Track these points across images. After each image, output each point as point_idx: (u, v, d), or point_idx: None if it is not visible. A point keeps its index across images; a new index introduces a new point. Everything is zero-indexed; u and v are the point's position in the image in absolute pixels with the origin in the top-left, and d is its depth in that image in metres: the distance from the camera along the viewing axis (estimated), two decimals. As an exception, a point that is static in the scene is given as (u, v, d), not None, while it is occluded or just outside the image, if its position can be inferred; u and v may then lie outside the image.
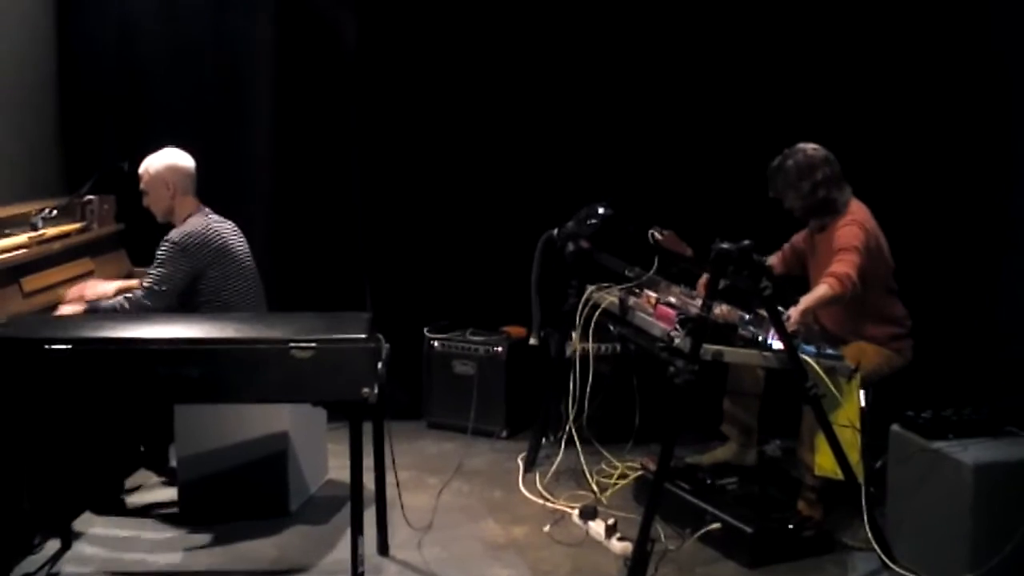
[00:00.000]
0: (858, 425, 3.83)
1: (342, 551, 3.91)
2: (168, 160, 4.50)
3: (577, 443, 4.56)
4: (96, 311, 4.25)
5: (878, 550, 3.78)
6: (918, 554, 3.75)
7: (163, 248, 4.33)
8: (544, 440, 4.92)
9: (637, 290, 4.30)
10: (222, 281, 4.38)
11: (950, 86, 5.00)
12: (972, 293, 4.93)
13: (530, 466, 4.82)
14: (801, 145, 4.34)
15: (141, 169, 4.52)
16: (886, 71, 5.08)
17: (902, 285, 4.43)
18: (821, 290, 4.02)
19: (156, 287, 4.28)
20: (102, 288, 4.44)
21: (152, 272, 4.34)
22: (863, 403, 3.82)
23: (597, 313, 4.33)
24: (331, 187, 5.51)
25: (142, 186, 4.51)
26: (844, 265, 4.06)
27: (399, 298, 5.47)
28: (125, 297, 4.29)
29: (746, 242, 3.77)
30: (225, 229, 4.48)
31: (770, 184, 4.38)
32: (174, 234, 4.36)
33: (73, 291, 4.39)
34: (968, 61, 4.94)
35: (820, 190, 4.27)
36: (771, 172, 4.36)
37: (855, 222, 4.23)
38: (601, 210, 4.52)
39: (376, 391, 3.48)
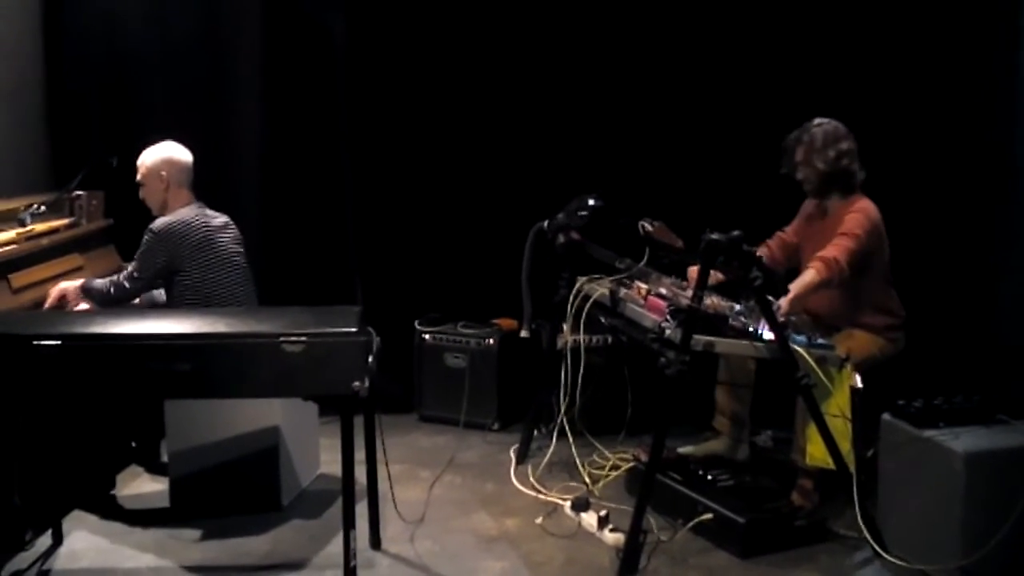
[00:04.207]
0: (849, 414, 3.84)
1: (334, 545, 3.91)
2: (165, 153, 4.50)
3: (569, 435, 4.56)
4: (90, 290, 4.34)
5: (869, 539, 3.79)
6: (909, 543, 3.76)
7: (145, 237, 4.36)
8: (536, 432, 4.92)
9: (628, 281, 4.31)
10: (205, 274, 4.37)
11: (945, 73, 4.99)
12: (965, 281, 4.94)
13: (522, 458, 4.82)
14: (822, 119, 4.34)
15: (138, 162, 4.52)
16: (879, 59, 5.07)
17: (896, 273, 4.44)
18: (808, 276, 4.02)
19: (136, 274, 4.36)
20: (70, 287, 4.39)
21: (135, 259, 4.38)
22: (859, 383, 3.82)
23: (588, 305, 4.33)
24: (321, 180, 5.49)
25: (138, 178, 4.52)
26: (835, 249, 4.06)
27: (390, 291, 5.46)
28: (111, 281, 4.36)
29: (736, 232, 3.78)
30: (214, 223, 4.47)
31: (786, 156, 4.35)
32: (157, 223, 4.38)
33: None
34: (962, 52, 4.94)
35: (844, 159, 4.27)
36: (790, 142, 4.35)
37: (863, 211, 4.24)
38: (591, 202, 4.51)
39: (367, 385, 3.48)
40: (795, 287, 4.01)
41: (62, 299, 4.32)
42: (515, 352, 5.22)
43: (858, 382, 3.81)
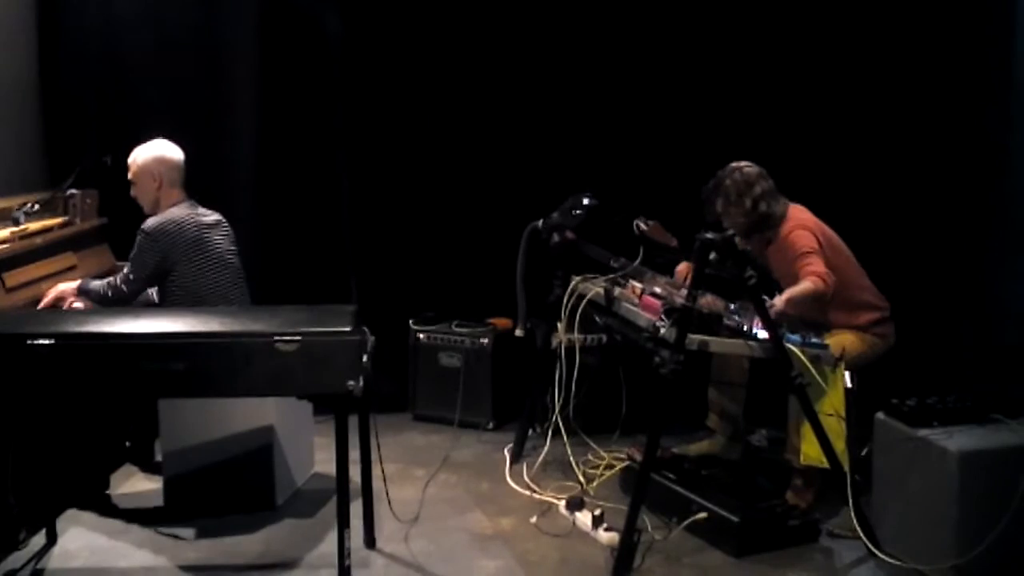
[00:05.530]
0: (843, 413, 3.85)
1: (329, 544, 3.91)
2: (156, 152, 4.49)
3: (563, 434, 4.57)
4: (87, 292, 4.34)
5: (863, 538, 3.80)
6: (903, 542, 3.76)
7: (138, 238, 4.35)
8: (530, 431, 4.92)
9: (622, 281, 4.31)
10: (197, 274, 4.36)
11: (942, 66, 4.97)
12: (960, 280, 4.94)
13: (517, 457, 4.82)
14: (733, 164, 4.35)
15: (129, 160, 4.52)
16: (875, 53, 5.06)
17: (888, 271, 4.44)
18: (806, 285, 4.03)
19: (131, 276, 4.35)
20: (67, 288, 4.40)
21: (129, 261, 4.37)
22: (850, 384, 3.83)
23: (583, 304, 4.33)
24: (316, 180, 5.49)
25: (130, 176, 4.51)
26: (817, 266, 4.09)
27: (384, 290, 5.45)
28: (108, 283, 4.35)
29: (730, 231, 3.79)
30: (206, 221, 4.46)
31: (707, 208, 4.37)
32: (149, 223, 4.37)
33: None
34: (959, 46, 4.94)
35: (761, 204, 4.29)
36: (707, 194, 4.36)
37: (797, 226, 4.27)
38: (586, 201, 4.52)
39: (361, 384, 3.47)
40: (791, 290, 4.02)
41: (59, 301, 4.32)
42: (510, 351, 5.21)
43: (849, 382, 3.82)
